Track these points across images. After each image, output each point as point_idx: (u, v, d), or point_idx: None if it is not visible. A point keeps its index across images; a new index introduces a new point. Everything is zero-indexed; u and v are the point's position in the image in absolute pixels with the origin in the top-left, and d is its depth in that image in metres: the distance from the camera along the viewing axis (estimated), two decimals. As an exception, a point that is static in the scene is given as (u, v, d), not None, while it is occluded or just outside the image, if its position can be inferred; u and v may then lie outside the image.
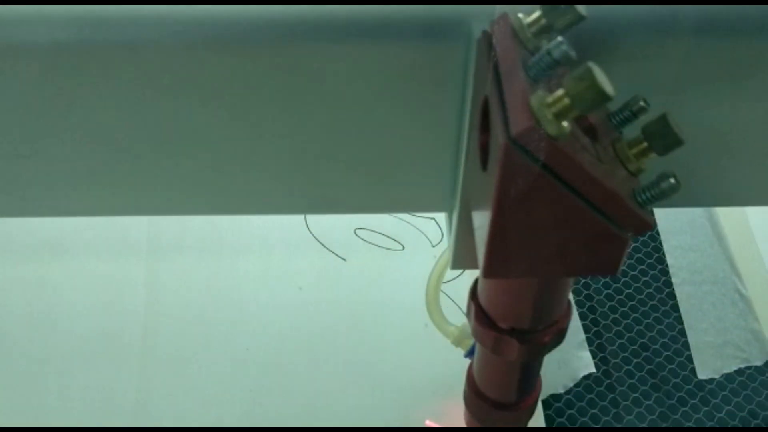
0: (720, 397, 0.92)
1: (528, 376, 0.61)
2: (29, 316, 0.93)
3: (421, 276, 0.98)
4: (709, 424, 0.90)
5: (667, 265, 1.04)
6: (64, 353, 0.91)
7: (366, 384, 0.89)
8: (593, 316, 0.98)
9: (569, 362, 0.93)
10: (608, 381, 0.93)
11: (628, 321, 0.98)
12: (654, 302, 1.00)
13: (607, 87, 0.31)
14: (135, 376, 0.89)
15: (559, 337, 0.52)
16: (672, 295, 1.01)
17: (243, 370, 0.89)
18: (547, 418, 0.88)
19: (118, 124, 0.43)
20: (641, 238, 1.07)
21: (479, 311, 0.51)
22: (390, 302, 0.96)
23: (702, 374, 0.94)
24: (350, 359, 0.91)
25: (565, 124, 0.32)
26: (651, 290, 1.02)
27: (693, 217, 1.10)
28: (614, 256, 0.37)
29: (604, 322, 0.98)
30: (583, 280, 1.01)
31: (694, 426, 0.89)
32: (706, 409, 0.91)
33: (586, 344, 0.95)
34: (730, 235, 1.08)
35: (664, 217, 1.09)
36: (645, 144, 0.37)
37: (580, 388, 0.92)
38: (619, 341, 0.96)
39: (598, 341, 0.96)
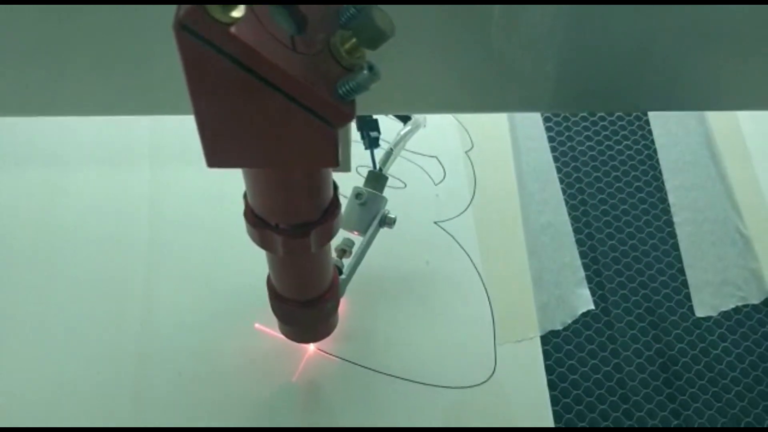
0: (716, 335, 0.94)
1: (315, 269, 0.63)
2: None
3: (425, 213, 0.99)
4: (704, 360, 0.91)
5: (668, 205, 1.04)
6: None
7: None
8: (593, 254, 0.99)
9: (568, 299, 0.94)
10: (606, 318, 0.94)
11: (628, 259, 0.99)
12: (654, 241, 1.01)
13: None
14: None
15: (327, 233, 0.55)
16: (672, 234, 1.02)
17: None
18: (545, 353, 0.89)
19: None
20: (643, 178, 1.06)
21: (248, 210, 0.54)
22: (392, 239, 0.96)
23: (699, 312, 0.95)
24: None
25: (236, 12, 0.33)
26: (651, 229, 1.02)
27: (696, 156, 1.09)
28: (327, 148, 0.39)
29: (603, 260, 0.99)
30: (584, 219, 1.02)
31: (689, 362, 0.91)
32: (703, 345, 0.93)
33: (585, 282, 0.96)
34: (732, 174, 1.07)
35: (666, 156, 1.08)
36: (354, 39, 0.38)
37: (578, 325, 0.93)
38: (618, 279, 0.97)
39: (598, 279, 0.97)
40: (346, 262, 0.82)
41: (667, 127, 1.12)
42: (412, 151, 1.04)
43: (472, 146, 1.06)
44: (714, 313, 0.95)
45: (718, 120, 1.12)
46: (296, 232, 0.53)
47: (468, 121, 1.08)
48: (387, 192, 0.99)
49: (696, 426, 0.87)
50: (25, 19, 0.44)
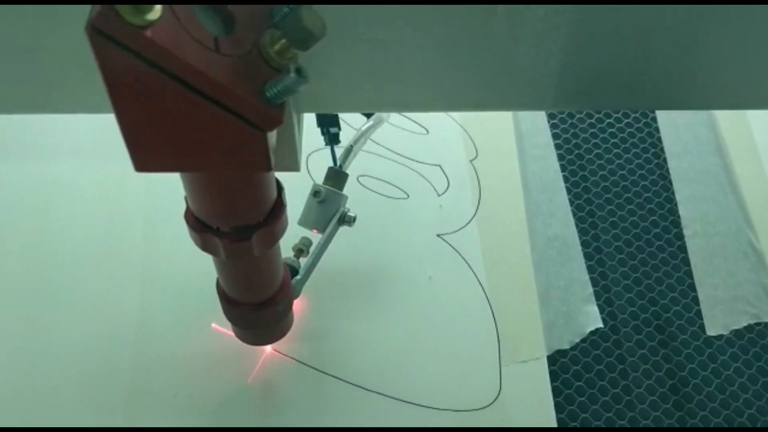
0: (728, 354, 0.91)
1: (261, 272, 0.62)
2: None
3: (427, 225, 0.96)
4: (716, 382, 0.88)
5: (679, 217, 1.01)
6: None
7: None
8: (602, 269, 0.96)
9: (576, 317, 0.91)
10: (615, 337, 0.91)
11: (638, 275, 0.96)
12: (664, 255, 0.98)
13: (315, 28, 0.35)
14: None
15: (270, 236, 0.54)
16: (683, 248, 0.98)
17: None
18: (552, 374, 0.86)
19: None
20: (653, 188, 1.03)
21: (188, 213, 0.52)
22: (394, 253, 0.93)
23: (711, 330, 0.92)
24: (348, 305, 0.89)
25: (151, 14, 0.31)
26: (662, 243, 0.99)
27: (707, 166, 1.06)
28: (257, 152, 0.38)
29: (612, 275, 0.95)
30: (592, 231, 0.98)
31: (700, 383, 0.88)
32: (714, 366, 0.90)
33: (593, 298, 0.93)
34: (744, 184, 1.04)
35: (677, 165, 1.05)
36: (284, 40, 0.37)
37: (586, 344, 0.90)
38: (628, 295, 0.94)
39: (606, 295, 0.94)
40: (303, 261, 0.79)
41: (678, 135, 1.08)
42: (415, 160, 1.00)
43: (477, 155, 1.02)
44: (725, 332, 0.92)
45: (729, 128, 1.09)
46: (238, 236, 0.52)
47: (473, 129, 1.04)
48: (389, 202, 0.96)
49: (707, 451, 0.85)
50: (17, 17, 0.42)
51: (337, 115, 0.80)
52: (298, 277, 0.77)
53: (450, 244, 0.94)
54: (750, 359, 0.90)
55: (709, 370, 0.89)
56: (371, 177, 0.98)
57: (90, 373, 0.81)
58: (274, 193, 0.52)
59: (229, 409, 0.81)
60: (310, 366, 0.84)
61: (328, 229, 0.80)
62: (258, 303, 0.67)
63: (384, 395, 0.83)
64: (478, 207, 0.98)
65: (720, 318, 0.93)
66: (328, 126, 0.80)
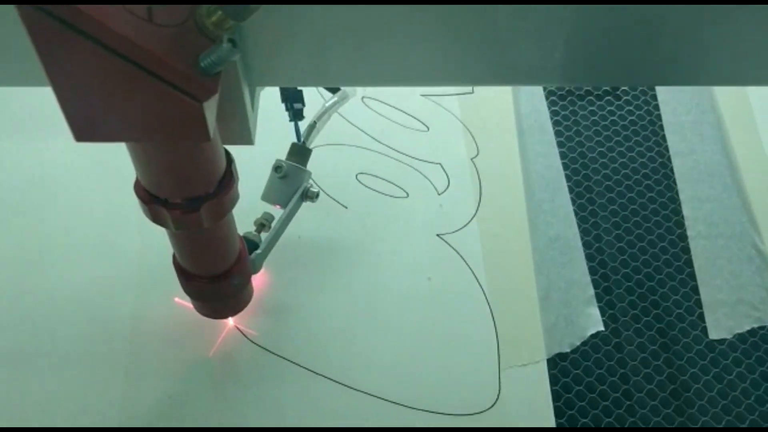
0: (731, 359, 0.89)
1: (214, 245, 0.62)
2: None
3: (427, 225, 0.94)
4: (718, 387, 0.87)
5: (682, 217, 0.99)
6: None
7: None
8: (603, 270, 0.94)
9: (576, 320, 0.90)
10: (617, 340, 0.89)
11: (640, 276, 0.94)
12: (667, 256, 0.96)
13: None
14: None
15: (220, 208, 0.53)
16: (686, 250, 0.97)
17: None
18: (552, 378, 0.85)
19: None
20: (656, 188, 1.01)
21: (138, 186, 0.52)
22: (392, 253, 0.91)
23: (714, 334, 0.91)
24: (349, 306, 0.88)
25: None
26: (665, 244, 0.97)
27: (712, 164, 1.04)
28: (195, 122, 0.38)
29: (614, 276, 0.94)
30: (594, 232, 0.97)
31: (702, 388, 0.87)
32: (716, 370, 0.88)
33: (594, 300, 0.92)
34: (750, 185, 1.02)
35: (681, 164, 1.03)
36: (220, 12, 0.37)
37: (587, 347, 0.88)
38: (630, 298, 0.93)
39: (608, 297, 0.92)
40: (264, 236, 0.79)
41: (683, 134, 1.06)
42: (415, 158, 0.99)
43: (478, 153, 1.01)
44: (729, 336, 0.91)
45: (735, 127, 1.07)
46: (186, 207, 0.52)
47: (474, 126, 1.03)
48: (387, 201, 0.95)
49: (708, 457, 0.83)
50: None
51: (301, 91, 0.80)
52: (258, 251, 0.77)
53: (450, 244, 0.93)
54: (753, 364, 0.89)
55: (711, 375, 0.88)
56: (370, 175, 0.96)
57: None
58: (223, 165, 0.52)
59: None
60: (307, 369, 0.83)
61: (290, 205, 0.80)
62: (213, 276, 0.67)
63: (380, 398, 0.81)
64: (478, 206, 0.96)
65: (723, 321, 0.92)
66: (292, 101, 0.80)
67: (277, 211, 0.81)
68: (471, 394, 0.83)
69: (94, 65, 0.35)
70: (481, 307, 0.89)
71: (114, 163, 0.92)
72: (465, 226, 0.95)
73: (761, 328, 0.92)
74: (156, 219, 0.54)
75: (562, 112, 1.07)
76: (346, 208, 0.93)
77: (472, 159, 1.00)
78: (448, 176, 0.98)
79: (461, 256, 0.92)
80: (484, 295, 0.89)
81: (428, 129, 1.02)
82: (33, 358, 0.81)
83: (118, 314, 0.84)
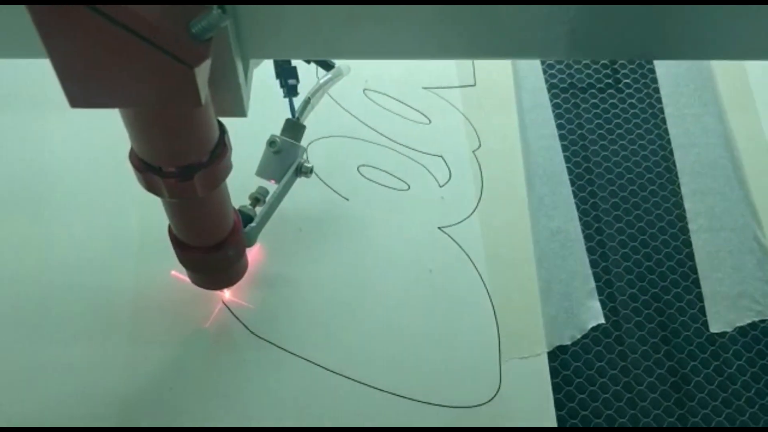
0: (731, 352, 0.89)
1: (208, 215, 0.63)
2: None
3: (428, 217, 0.94)
4: (718, 380, 0.87)
5: (684, 210, 0.99)
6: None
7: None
8: (604, 263, 0.94)
9: (577, 312, 0.90)
10: (617, 333, 0.89)
11: (641, 269, 0.94)
12: (669, 250, 0.96)
13: None
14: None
15: (213, 177, 0.54)
16: (687, 243, 0.97)
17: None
18: (552, 370, 0.85)
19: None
20: (658, 181, 1.01)
21: (132, 154, 0.53)
22: (393, 245, 0.91)
23: (714, 327, 0.91)
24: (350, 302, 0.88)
25: None
26: (666, 237, 0.97)
27: (714, 157, 1.04)
28: (187, 88, 0.39)
29: (616, 270, 0.94)
30: (596, 225, 0.97)
31: (702, 380, 0.87)
32: (717, 363, 0.89)
33: (595, 293, 0.92)
34: (752, 178, 1.02)
35: (683, 157, 1.03)
36: None
37: (587, 340, 0.89)
38: (631, 291, 0.93)
39: (609, 290, 0.92)
40: (259, 210, 0.80)
41: (685, 127, 1.06)
42: (417, 150, 0.99)
43: (480, 145, 1.01)
44: (729, 329, 0.91)
45: (737, 120, 1.07)
46: (180, 176, 0.53)
47: (476, 119, 1.02)
48: (389, 193, 0.95)
49: (708, 450, 0.84)
50: None
51: (295, 67, 0.81)
52: (253, 224, 0.78)
53: (451, 237, 0.93)
54: (753, 357, 0.89)
55: (711, 368, 0.88)
56: (372, 167, 0.96)
57: (49, 316, 0.83)
58: (216, 134, 0.53)
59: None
60: (310, 361, 0.83)
61: (284, 179, 0.81)
62: (208, 247, 0.68)
63: (379, 389, 0.82)
64: (480, 199, 0.96)
65: (724, 315, 0.92)
66: (286, 78, 0.81)
67: (271, 186, 0.82)
68: (471, 386, 0.83)
69: (88, 31, 0.35)
70: (482, 300, 0.89)
71: (113, 139, 0.91)
72: (466, 218, 0.95)
73: (762, 321, 0.92)
74: (150, 187, 0.54)
75: (564, 105, 1.06)
76: (348, 200, 0.93)
77: (473, 151, 1.00)
78: (449, 169, 0.98)
79: (462, 249, 0.92)
80: (485, 287, 0.89)
81: (430, 121, 1.02)
82: (44, 328, 0.83)
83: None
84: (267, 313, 0.85)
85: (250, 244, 0.77)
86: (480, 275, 0.90)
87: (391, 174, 0.96)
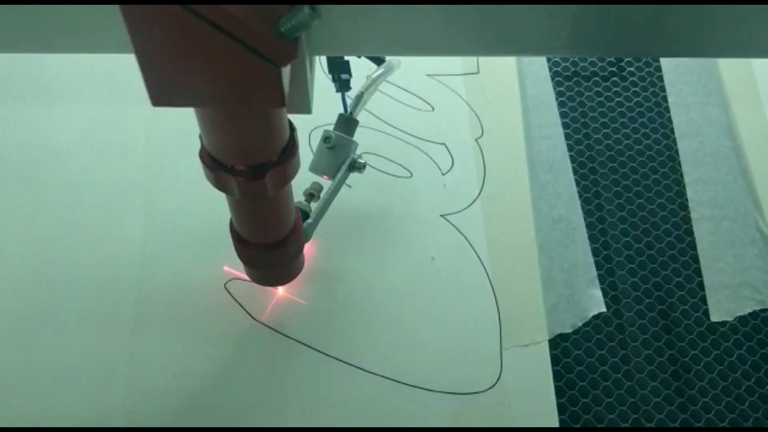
0: (732, 341, 0.90)
1: (274, 212, 0.63)
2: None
3: (430, 205, 0.94)
4: (718, 369, 0.88)
5: (686, 200, 0.99)
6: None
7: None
8: (606, 252, 0.94)
9: (579, 301, 0.90)
10: (618, 321, 0.90)
11: (643, 258, 0.94)
12: (671, 239, 0.96)
13: None
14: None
15: (283, 175, 0.54)
16: (689, 232, 0.97)
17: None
18: (553, 358, 0.86)
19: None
20: (661, 170, 1.01)
21: (203, 151, 0.53)
22: (396, 233, 0.92)
23: (715, 316, 0.91)
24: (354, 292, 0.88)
25: None
26: (669, 226, 0.97)
27: (717, 147, 1.03)
28: (271, 88, 0.39)
29: (617, 258, 0.94)
30: (598, 213, 0.97)
31: (702, 369, 0.87)
32: (717, 352, 0.89)
33: (597, 282, 0.92)
34: (755, 168, 1.02)
35: (687, 146, 1.03)
36: None
37: (588, 328, 0.89)
38: (632, 279, 0.93)
39: (610, 279, 0.93)
40: (314, 206, 0.80)
41: (689, 116, 1.06)
42: (419, 138, 0.98)
43: (483, 133, 1.01)
44: (730, 318, 0.91)
45: (741, 109, 1.07)
46: (252, 174, 0.53)
47: (479, 106, 1.02)
48: (391, 181, 0.95)
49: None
50: None
51: (348, 62, 0.80)
52: (309, 220, 0.78)
53: (453, 225, 0.93)
54: (754, 346, 0.89)
55: (711, 357, 0.89)
56: (374, 154, 0.96)
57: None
58: (287, 133, 0.53)
59: (241, 344, 0.83)
60: (313, 348, 0.83)
61: (339, 175, 0.80)
62: (270, 244, 0.68)
63: (381, 376, 0.82)
64: (482, 187, 0.96)
65: (725, 304, 0.92)
66: (339, 72, 0.80)
67: (324, 181, 0.81)
68: (473, 374, 0.84)
69: (177, 30, 0.35)
70: (483, 288, 0.89)
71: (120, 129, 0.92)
72: (469, 206, 0.95)
73: (763, 310, 0.92)
74: (220, 185, 0.54)
75: (568, 93, 1.06)
76: (350, 187, 0.93)
77: (476, 139, 1.00)
78: (452, 156, 0.98)
79: (465, 237, 0.92)
80: (487, 275, 0.90)
81: (433, 109, 1.02)
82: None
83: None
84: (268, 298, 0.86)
85: (306, 240, 0.77)
86: (482, 263, 0.90)
87: (393, 161, 0.96)
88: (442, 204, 0.94)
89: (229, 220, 0.68)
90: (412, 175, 0.96)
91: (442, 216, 0.93)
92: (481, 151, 0.99)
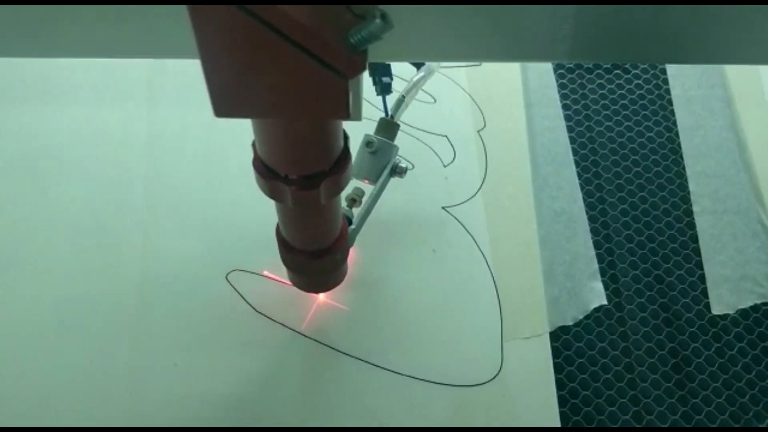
0: (733, 334, 0.90)
1: (324, 221, 0.63)
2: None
3: (432, 197, 0.94)
4: (719, 362, 0.88)
5: (688, 192, 0.99)
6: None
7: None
8: (608, 244, 0.94)
9: (580, 294, 0.90)
10: (619, 314, 0.90)
11: (644, 251, 0.94)
12: (672, 232, 0.96)
13: None
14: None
15: (337, 185, 0.54)
16: (691, 225, 0.97)
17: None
18: (554, 350, 0.86)
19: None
20: (663, 163, 1.01)
21: (257, 160, 0.52)
22: (397, 225, 0.92)
23: (716, 309, 0.91)
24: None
25: None
26: (670, 219, 0.97)
27: (720, 140, 1.03)
28: (337, 99, 0.38)
29: (619, 251, 0.94)
30: (600, 206, 0.97)
31: (703, 362, 0.87)
32: (718, 345, 0.89)
33: (599, 275, 0.92)
34: (758, 161, 1.02)
35: (689, 139, 1.03)
36: None
37: (589, 321, 0.89)
38: (634, 272, 0.93)
39: (612, 272, 0.93)
40: (356, 211, 0.79)
41: (691, 109, 1.06)
42: (421, 130, 0.98)
43: (485, 125, 1.00)
44: (731, 311, 0.91)
45: (744, 102, 1.06)
46: (306, 183, 0.52)
47: (481, 99, 1.02)
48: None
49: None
50: None
51: (389, 65, 0.79)
52: (353, 226, 0.77)
53: (455, 217, 0.93)
54: (755, 339, 0.89)
55: (712, 350, 0.89)
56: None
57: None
58: (342, 142, 0.52)
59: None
60: (316, 340, 0.84)
61: (381, 180, 0.80)
62: (318, 251, 0.67)
63: (382, 368, 0.82)
64: (484, 179, 0.96)
65: (726, 297, 0.92)
66: (380, 75, 0.79)
67: (365, 186, 0.81)
68: (474, 366, 0.84)
69: (244, 37, 0.34)
70: (485, 280, 0.89)
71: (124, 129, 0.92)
72: (470, 199, 0.95)
73: (764, 304, 0.92)
74: (274, 194, 0.54)
75: (570, 86, 1.06)
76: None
77: (478, 132, 1.00)
78: (454, 149, 0.98)
79: (466, 229, 0.92)
80: (489, 268, 0.90)
81: (435, 101, 1.01)
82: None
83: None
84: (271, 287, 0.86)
85: (350, 245, 0.76)
86: (483, 255, 0.90)
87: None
88: (444, 196, 0.94)
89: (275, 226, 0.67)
90: (413, 167, 0.96)
91: (443, 208, 0.93)
92: (483, 143, 0.99)
